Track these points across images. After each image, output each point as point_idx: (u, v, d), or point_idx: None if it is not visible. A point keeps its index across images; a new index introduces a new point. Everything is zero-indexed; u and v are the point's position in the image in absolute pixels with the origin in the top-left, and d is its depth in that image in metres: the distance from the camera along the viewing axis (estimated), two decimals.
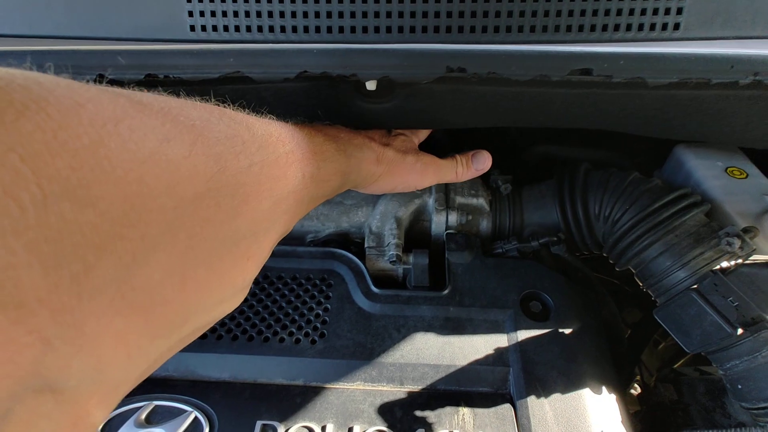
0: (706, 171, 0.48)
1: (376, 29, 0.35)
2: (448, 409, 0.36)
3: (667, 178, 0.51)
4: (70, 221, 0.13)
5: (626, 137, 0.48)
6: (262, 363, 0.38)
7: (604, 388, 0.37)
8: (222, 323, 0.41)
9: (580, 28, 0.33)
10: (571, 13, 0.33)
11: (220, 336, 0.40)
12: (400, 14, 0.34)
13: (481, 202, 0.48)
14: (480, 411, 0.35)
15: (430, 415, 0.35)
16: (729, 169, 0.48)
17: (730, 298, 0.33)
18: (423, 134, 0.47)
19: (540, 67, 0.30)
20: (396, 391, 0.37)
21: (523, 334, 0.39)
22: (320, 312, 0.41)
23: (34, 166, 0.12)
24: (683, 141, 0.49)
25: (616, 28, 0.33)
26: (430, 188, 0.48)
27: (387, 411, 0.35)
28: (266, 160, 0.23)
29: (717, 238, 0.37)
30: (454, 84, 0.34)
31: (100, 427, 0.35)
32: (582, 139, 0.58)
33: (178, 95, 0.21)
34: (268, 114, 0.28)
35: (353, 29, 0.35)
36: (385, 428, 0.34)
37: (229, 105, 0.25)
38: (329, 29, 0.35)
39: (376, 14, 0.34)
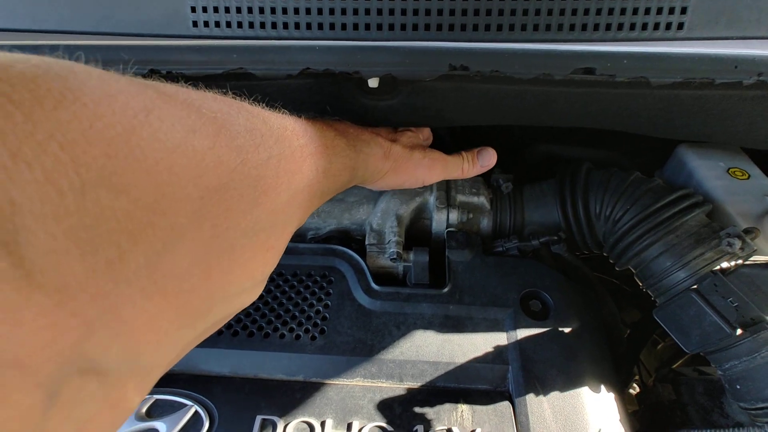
0: (708, 171, 0.47)
1: (379, 27, 0.35)
2: (447, 406, 0.36)
3: (669, 178, 0.51)
4: (106, 208, 0.13)
5: (628, 137, 0.48)
6: (263, 358, 0.39)
7: (602, 387, 0.37)
8: None
9: (584, 27, 0.33)
10: (574, 12, 0.33)
11: (221, 331, 0.40)
12: (403, 12, 0.34)
13: (482, 200, 0.48)
14: (479, 408, 0.36)
15: (429, 412, 0.35)
16: (731, 169, 0.48)
17: (730, 299, 0.33)
18: (427, 132, 0.47)
19: (543, 65, 0.30)
20: (395, 388, 0.37)
21: (523, 333, 0.39)
22: (320, 308, 0.42)
23: (72, 153, 0.12)
24: (685, 141, 0.49)
25: (620, 27, 0.33)
26: (431, 186, 0.48)
27: (386, 407, 0.36)
28: (283, 153, 0.24)
29: (718, 239, 0.37)
30: (457, 82, 0.34)
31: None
32: (583, 138, 0.58)
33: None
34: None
35: (356, 26, 0.35)
36: (384, 424, 0.35)
37: (245, 98, 0.25)
38: (332, 26, 0.35)
39: (379, 11, 0.34)
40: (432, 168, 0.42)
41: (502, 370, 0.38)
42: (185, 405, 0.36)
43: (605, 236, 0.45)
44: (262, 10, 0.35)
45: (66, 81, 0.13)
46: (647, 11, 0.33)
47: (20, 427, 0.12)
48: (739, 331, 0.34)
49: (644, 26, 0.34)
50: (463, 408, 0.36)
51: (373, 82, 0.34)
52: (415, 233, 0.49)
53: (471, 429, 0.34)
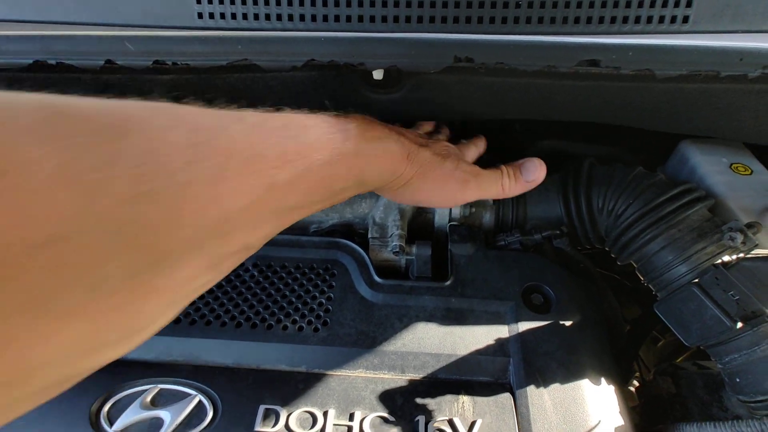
0: (711, 167, 0.47)
1: (384, 19, 0.35)
2: (449, 397, 0.36)
3: (671, 173, 0.51)
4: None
5: (631, 132, 0.48)
6: (266, 350, 0.39)
7: (603, 380, 0.37)
8: (226, 310, 0.41)
9: (588, 20, 0.33)
10: (579, 5, 0.33)
11: (224, 323, 0.40)
12: (408, 4, 0.34)
13: None
14: (480, 399, 0.36)
15: (431, 403, 0.36)
16: (734, 165, 0.48)
17: (731, 292, 0.33)
18: (473, 154, 0.40)
19: (548, 57, 0.30)
20: (397, 379, 0.37)
21: (524, 326, 0.39)
22: (323, 301, 0.42)
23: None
24: (689, 136, 0.49)
25: (625, 20, 0.33)
26: None
27: (388, 398, 0.36)
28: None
29: (720, 233, 0.38)
30: (462, 74, 0.34)
31: (106, 409, 0.36)
32: (587, 135, 0.58)
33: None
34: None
35: (361, 18, 0.35)
36: (386, 414, 0.35)
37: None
38: (337, 18, 0.35)
39: (384, 3, 0.34)
40: (465, 183, 0.36)
41: (504, 362, 0.38)
42: (189, 394, 0.36)
43: (607, 231, 0.45)
44: (267, 2, 0.35)
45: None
46: (652, 4, 0.33)
47: None
48: (739, 325, 0.34)
49: (649, 19, 0.34)
50: (464, 399, 0.36)
51: (377, 74, 0.34)
52: (418, 227, 0.49)
53: (472, 420, 0.35)
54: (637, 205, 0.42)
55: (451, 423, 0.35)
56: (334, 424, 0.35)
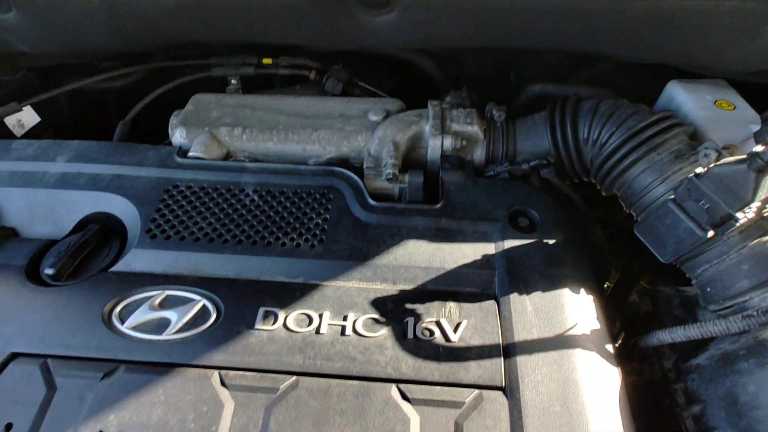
0: (695, 103, 0.49)
1: None
2: (436, 303, 0.39)
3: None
4: None
5: (621, 77, 0.49)
6: (265, 263, 0.41)
7: (582, 290, 0.39)
8: (228, 229, 0.44)
9: None
10: None
11: (226, 240, 0.43)
12: None
13: (475, 129, 0.50)
14: (466, 305, 0.38)
15: (419, 308, 0.38)
16: (717, 101, 0.50)
17: (702, 201, 0.35)
18: None
19: None
20: (389, 289, 0.40)
21: (510, 243, 0.42)
22: (319, 221, 0.44)
23: None
24: (671, 76, 0.51)
25: None
26: (426, 115, 0.50)
27: (380, 304, 0.38)
28: None
29: (695, 154, 0.39)
30: None
31: (118, 310, 0.38)
32: (577, 80, 0.59)
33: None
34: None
35: None
36: (377, 316, 0.38)
37: None
38: None
39: None
40: None
41: (489, 274, 0.40)
42: (194, 299, 0.39)
43: (592, 160, 0.47)
44: None
45: None
46: None
47: None
48: (710, 233, 0.36)
49: None
50: (451, 305, 0.38)
51: None
52: (411, 163, 0.51)
53: (457, 321, 0.37)
54: (620, 132, 0.44)
55: (438, 324, 0.37)
56: (329, 324, 0.37)
